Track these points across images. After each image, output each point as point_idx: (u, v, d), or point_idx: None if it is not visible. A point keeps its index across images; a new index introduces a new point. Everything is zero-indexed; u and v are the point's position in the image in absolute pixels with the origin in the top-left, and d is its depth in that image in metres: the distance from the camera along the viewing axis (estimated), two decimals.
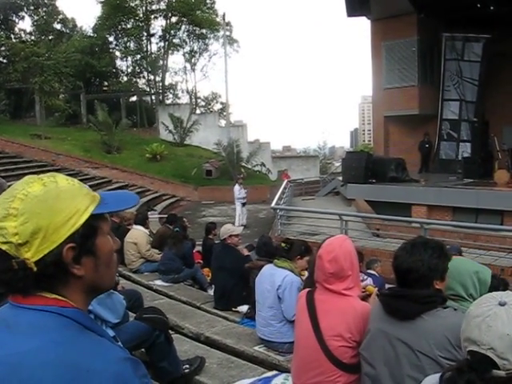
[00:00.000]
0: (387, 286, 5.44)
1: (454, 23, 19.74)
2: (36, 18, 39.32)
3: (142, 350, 3.86)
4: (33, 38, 39.20)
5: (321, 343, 2.94)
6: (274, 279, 4.75)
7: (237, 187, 18.76)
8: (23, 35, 39.67)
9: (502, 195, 14.17)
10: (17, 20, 39.25)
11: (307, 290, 3.23)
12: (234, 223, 15.44)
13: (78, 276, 1.10)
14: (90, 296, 1.18)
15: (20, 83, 33.61)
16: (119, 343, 3.32)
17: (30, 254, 1.04)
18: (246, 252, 7.90)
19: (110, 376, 1.01)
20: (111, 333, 3.47)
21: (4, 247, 1.04)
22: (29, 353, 0.99)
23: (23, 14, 39.01)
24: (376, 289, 3.93)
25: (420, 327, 2.38)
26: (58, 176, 1.15)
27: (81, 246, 1.09)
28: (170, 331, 4.24)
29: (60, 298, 1.09)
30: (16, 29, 39.58)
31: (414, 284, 2.47)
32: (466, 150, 19.91)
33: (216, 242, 8.86)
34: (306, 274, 5.24)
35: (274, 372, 4.06)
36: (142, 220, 8.86)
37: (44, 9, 39.31)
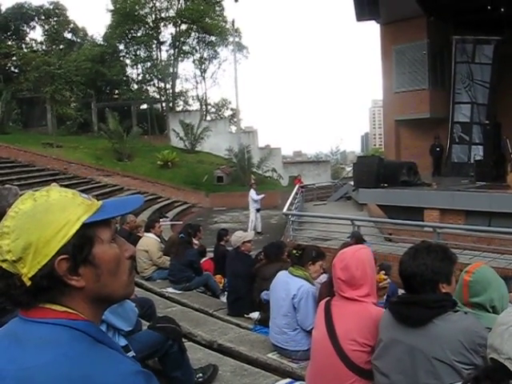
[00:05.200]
0: (400, 291, 5.39)
1: (465, 26, 19.68)
2: (47, 27, 39.70)
3: (155, 359, 3.84)
4: (44, 47, 39.63)
5: (336, 347, 2.93)
6: (290, 287, 4.70)
7: (252, 192, 18.65)
8: (34, 45, 40.11)
9: None
10: (28, 30, 39.72)
11: (327, 298, 3.22)
12: (246, 229, 15.35)
13: (78, 287, 1.08)
14: (100, 306, 1.16)
15: (32, 93, 33.89)
16: (132, 352, 3.34)
17: (26, 270, 1.05)
18: None
19: None
20: (124, 342, 3.47)
21: (4, 265, 1.05)
22: (40, 367, 0.98)
23: (34, 23, 39.44)
24: (388, 280, 3.90)
25: (432, 333, 2.36)
26: (53, 189, 1.14)
27: (75, 257, 1.07)
28: (183, 339, 4.21)
29: (70, 310, 1.08)
30: (27, 39, 40.10)
31: (420, 289, 2.47)
32: (478, 152, 19.75)
33: (228, 248, 8.84)
34: (320, 278, 5.20)
35: (288, 380, 4.03)
36: (148, 227, 8.86)
37: (55, 18, 39.65)
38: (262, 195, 18.78)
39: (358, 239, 10.50)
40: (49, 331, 1.04)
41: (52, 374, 0.97)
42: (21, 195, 1.17)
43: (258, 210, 18.55)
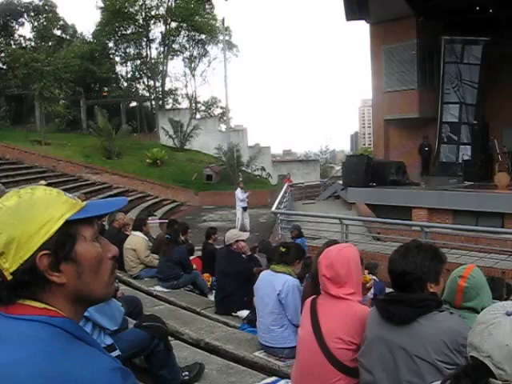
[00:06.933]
0: (387, 290, 5.41)
1: (453, 26, 19.78)
2: (36, 24, 39.39)
3: (142, 357, 3.84)
4: (33, 44, 39.30)
5: (321, 346, 2.93)
6: (274, 284, 4.71)
7: (238, 190, 18.71)
8: (23, 41, 39.79)
9: (503, 198, 14.14)
10: (17, 26, 39.37)
11: (313, 296, 3.23)
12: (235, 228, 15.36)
13: (59, 283, 1.09)
14: (80, 305, 1.17)
15: (20, 89, 33.67)
16: (117, 351, 3.34)
17: (7, 265, 1.06)
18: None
19: None
20: (109, 340, 3.47)
21: None
22: (17, 363, 0.98)
23: (23, 20, 39.10)
24: (372, 281, 3.93)
25: (416, 332, 2.38)
26: (38, 187, 1.16)
27: (57, 253, 1.08)
28: (170, 337, 4.21)
29: (50, 307, 1.09)
30: (16, 35, 39.70)
31: (408, 287, 2.49)
32: (466, 152, 19.87)
33: (217, 246, 8.84)
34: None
35: (274, 378, 4.05)
36: (139, 226, 8.82)
37: (44, 15, 39.35)
38: (248, 193, 18.81)
39: (299, 232, 10.87)
40: (27, 327, 1.04)
41: (29, 369, 0.97)
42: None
43: (244, 209, 18.58)
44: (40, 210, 1.09)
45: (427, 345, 2.31)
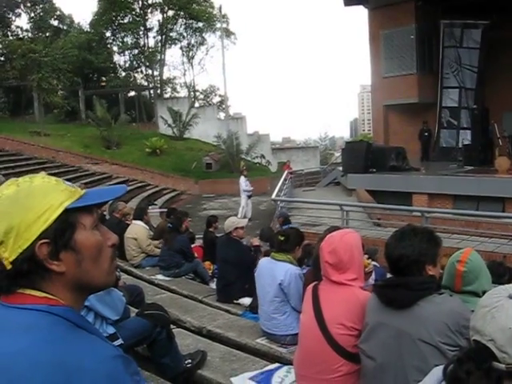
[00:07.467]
0: (388, 275, 5.41)
1: (452, 10, 19.66)
2: (33, 14, 39.22)
3: (144, 346, 3.85)
4: (30, 34, 39.15)
5: (324, 332, 2.94)
6: (275, 273, 4.68)
7: (242, 179, 18.68)
8: (20, 32, 39.62)
9: (503, 182, 14.11)
10: (13, 17, 39.15)
11: (314, 283, 3.23)
12: (236, 215, 15.35)
13: (58, 272, 1.09)
14: (80, 294, 1.16)
15: (18, 81, 33.55)
16: (120, 340, 3.34)
17: (7, 254, 1.05)
18: (255, 242, 7.83)
19: (101, 374, 1.00)
20: (112, 330, 3.48)
21: None
22: (19, 353, 0.98)
23: (20, 11, 38.94)
24: (372, 265, 3.93)
25: (417, 315, 2.38)
26: (36, 176, 1.15)
27: (56, 242, 1.08)
28: (172, 325, 4.22)
29: (50, 296, 1.09)
30: (13, 26, 39.51)
31: (407, 270, 2.49)
32: (466, 137, 19.83)
33: (217, 235, 8.84)
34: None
35: (277, 364, 4.06)
36: (140, 215, 8.83)
37: (41, 5, 39.18)
38: (251, 188, 18.79)
39: (285, 218, 10.81)
40: (28, 317, 1.04)
41: (30, 359, 0.97)
42: None
43: (249, 197, 18.59)
44: (38, 199, 1.08)
45: (429, 327, 2.32)
